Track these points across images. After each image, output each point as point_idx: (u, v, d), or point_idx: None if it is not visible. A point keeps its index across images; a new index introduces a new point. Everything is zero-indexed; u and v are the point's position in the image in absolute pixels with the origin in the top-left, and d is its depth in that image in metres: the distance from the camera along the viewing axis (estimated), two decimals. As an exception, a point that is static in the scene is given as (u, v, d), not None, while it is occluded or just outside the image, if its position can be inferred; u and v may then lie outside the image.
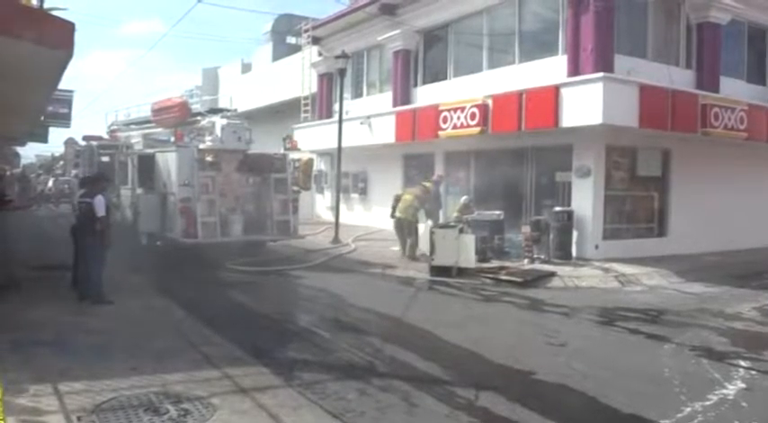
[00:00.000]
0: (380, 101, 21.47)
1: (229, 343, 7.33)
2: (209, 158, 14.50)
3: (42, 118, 20.54)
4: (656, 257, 14.57)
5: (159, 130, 18.35)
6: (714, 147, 16.15)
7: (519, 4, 16.79)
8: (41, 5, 8.12)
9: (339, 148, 18.10)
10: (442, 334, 8.18)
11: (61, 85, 13.08)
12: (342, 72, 18.68)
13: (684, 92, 14.92)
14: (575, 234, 14.49)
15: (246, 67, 36.32)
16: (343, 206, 20.58)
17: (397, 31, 20.29)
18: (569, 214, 14.43)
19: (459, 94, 17.18)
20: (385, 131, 19.55)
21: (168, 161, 14.70)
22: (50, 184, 37.20)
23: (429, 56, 20.28)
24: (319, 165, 24.80)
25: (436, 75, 19.72)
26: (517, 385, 6.40)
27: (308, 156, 20.47)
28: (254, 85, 32.41)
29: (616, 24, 14.76)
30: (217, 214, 14.12)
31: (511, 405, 5.73)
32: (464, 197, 16.48)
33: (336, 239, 17.22)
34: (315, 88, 25.53)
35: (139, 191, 15.50)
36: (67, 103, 25.10)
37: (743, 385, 6.43)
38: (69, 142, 26.07)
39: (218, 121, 15.26)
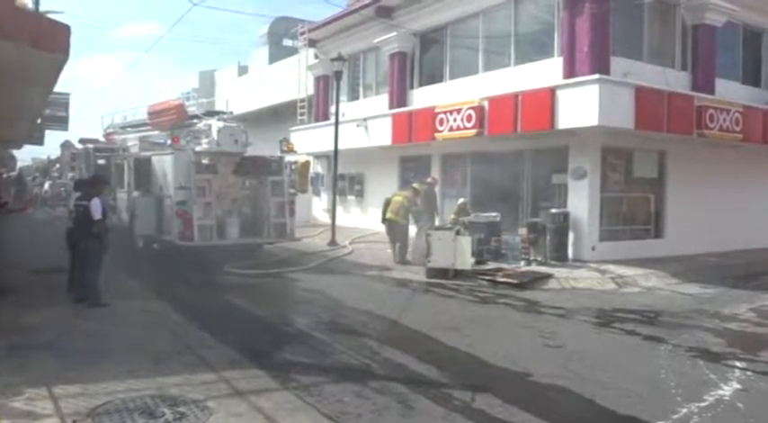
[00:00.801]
0: (377, 103, 21.48)
1: (226, 346, 7.31)
2: (205, 161, 14.57)
3: (39, 121, 20.57)
4: (653, 259, 14.63)
5: (156, 132, 18.35)
6: (710, 148, 16.26)
7: (515, 7, 16.85)
8: (37, 9, 8.16)
9: (336, 150, 18.19)
10: (439, 336, 8.17)
11: (58, 88, 13.12)
12: (338, 74, 18.84)
13: (680, 94, 14.98)
14: (571, 236, 14.56)
15: (243, 70, 36.30)
16: (339, 208, 20.59)
17: (394, 34, 20.31)
18: (566, 216, 14.48)
19: (455, 97, 17.19)
20: (381, 134, 19.53)
21: (165, 164, 14.74)
22: (47, 187, 37.14)
23: (425, 58, 20.33)
24: (316, 167, 24.79)
25: (432, 77, 19.76)
26: (514, 387, 6.39)
27: (305, 158, 20.52)
28: (250, 88, 32.43)
29: (612, 26, 14.80)
30: (213, 217, 14.13)
31: (507, 407, 5.72)
32: (461, 199, 16.45)
33: (333, 242, 17.30)
34: (311, 91, 25.51)
35: (136, 194, 15.48)
36: (64, 105, 25.05)
37: (739, 386, 6.43)
38: (66, 145, 26.05)
39: (215, 124, 15.25)
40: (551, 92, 13.98)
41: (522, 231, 14.31)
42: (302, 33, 25.09)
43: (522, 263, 13.85)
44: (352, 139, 20.29)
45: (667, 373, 6.86)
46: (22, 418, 4.99)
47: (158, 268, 13.34)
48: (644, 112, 13.75)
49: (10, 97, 10.60)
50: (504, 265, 13.61)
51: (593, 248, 14.60)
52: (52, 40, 7.24)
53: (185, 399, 5.56)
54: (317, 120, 24.60)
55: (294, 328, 8.74)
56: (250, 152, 15.35)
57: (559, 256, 14.16)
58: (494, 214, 15.01)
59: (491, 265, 13.60)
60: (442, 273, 12.53)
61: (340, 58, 18.46)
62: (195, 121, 16.74)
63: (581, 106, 13.45)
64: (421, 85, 20.10)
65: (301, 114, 25.46)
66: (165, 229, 14.33)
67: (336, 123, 18.30)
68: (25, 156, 47.64)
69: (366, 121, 20.25)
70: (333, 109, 20.96)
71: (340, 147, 18.30)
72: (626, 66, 14.75)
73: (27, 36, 6.97)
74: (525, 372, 6.81)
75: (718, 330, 8.96)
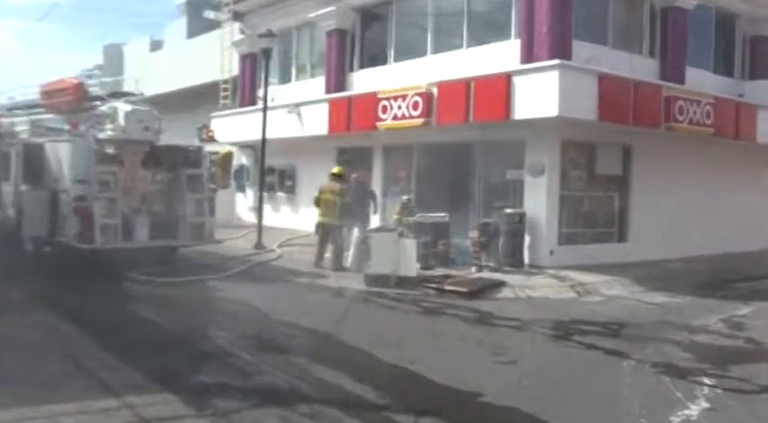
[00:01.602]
0: (311, 87, 21.38)
1: (131, 367, 7.18)
2: (109, 150, 14.15)
3: None
4: (616, 264, 14.88)
5: (50, 116, 17.80)
6: (679, 143, 16.67)
7: (468, -19, 17.41)
8: None
9: (263, 140, 17.93)
10: (378, 352, 8.20)
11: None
12: (267, 53, 18.48)
13: (647, 83, 15.39)
14: (527, 239, 14.72)
15: (156, 45, 35.53)
16: (267, 207, 20.41)
17: (332, 8, 20.20)
18: (521, 217, 14.65)
19: (400, 81, 17.24)
20: (316, 122, 19.45)
21: (60, 153, 14.27)
22: None
23: (367, 37, 20.33)
24: (240, 159, 24.52)
25: (375, 58, 19.78)
26: (461, 409, 6.45)
27: (228, 149, 20.20)
28: (165, 66, 31.80)
29: (574, 7, 14.98)
30: (118, 216, 13.65)
31: (455, 431, 5.84)
32: (405, 197, 16.45)
33: (259, 245, 17.09)
34: (236, 71, 25.32)
35: (24, 187, 14.90)
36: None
37: (707, 405, 6.59)
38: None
39: (122, 107, 14.89)
40: (507, 78, 14.13)
41: (473, 234, 14.34)
42: (227, 4, 24.88)
43: (473, 269, 13.96)
44: (282, 127, 20.14)
45: (630, 391, 6.98)
46: None
47: (51, 276, 12.98)
48: (608, 102, 14.04)
49: None
50: (453, 272, 13.69)
51: (552, 253, 14.84)
52: None
53: (81, 429, 5.53)
54: (242, 104, 24.37)
55: (213, 344, 8.63)
56: (163, 141, 15.04)
57: (514, 262, 14.31)
58: (442, 214, 15.10)
59: (438, 272, 13.64)
60: (384, 280, 12.53)
61: (269, 35, 18.24)
62: (98, 103, 16.29)
63: (539, 95, 13.64)
64: (362, 67, 20.10)
65: (224, 98, 25.23)
66: (60, 229, 13.85)
67: (265, 109, 17.96)
68: None
69: (299, 108, 20.14)
70: (261, 92, 20.78)
71: (269, 136, 18.14)
72: (589, 51, 15.02)
73: None
74: (475, 391, 6.84)
75: (686, 343, 9.18)
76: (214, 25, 28.27)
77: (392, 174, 18.96)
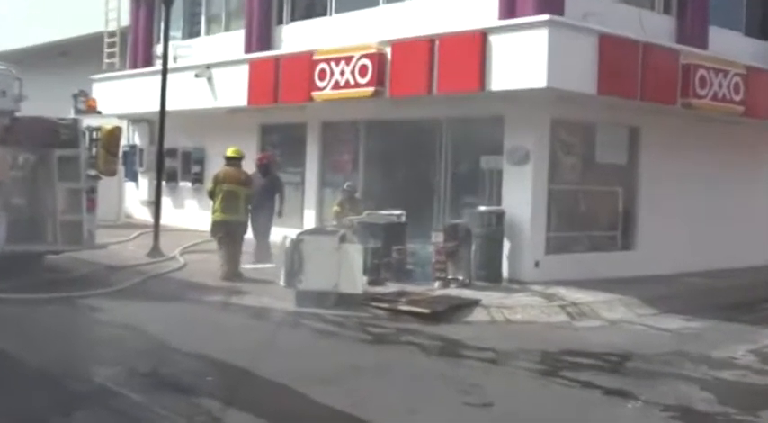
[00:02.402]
0: (227, 43, 21.50)
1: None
2: (-52, 123, 14.18)
3: None
4: (620, 279, 14.99)
5: None
6: (700, 125, 17.04)
7: None
8: None
9: (162, 112, 17.78)
10: (312, 392, 8.10)
11: None
12: (168, -3, 19.00)
13: (661, 46, 15.51)
14: (507, 245, 14.88)
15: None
16: (167, 201, 20.69)
17: (256, -63, 20.80)
18: (499, 217, 14.76)
19: (343, 38, 17.33)
20: (233, 89, 19.47)
21: None
22: None
23: (301, -22, 21.03)
24: (132, 137, 24.62)
25: (311, 7, 20.17)
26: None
27: (114, 123, 19.88)
28: (24, 12, 30.94)
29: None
30: (-39, 211, 13.86)
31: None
32: (347, 184, 16.86)
33: (156, 251, 17.12)
34: (126, 21, 25.20)
35: None
36: None
37: (732, 461, 6.93)
38: None
39: (-36, 66, 14.99)
40: (482, 37, 14.20)
41: (438, 238, 14.43)
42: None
43: (437, 284, 14.05)
44: (188, 96, 20.27)
45: (636, 442, 7.25)
46: None
47: None
48: (611, 70, 14.17)
49: None
50: (411, 288, 13.77)
51: (538, 264, 14.97)
52: None
53: None
54: (133, 65, 24.48)
55: (90, 382, 8.42)
56: (25, 111, 14.85)
57: (490, 275, 14.49)
58: (396, 213, 15.22)
59: (391, 288, 13.74)
60: (320, 298, 12.55)
61: (171, -30, 18.63)
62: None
63: (523, 59, 13.75)
64: (294, 19, 20.32)
65: (110, 56, 25.12)
66: None
67: (164, 72, 17.87)
68: None
69: (210, 70, 20.21)
70: (159, 49, 20.75)
71: (169, 107, 18.02)
72: (587, 4, 15.08)
73: None
74: (437, 444, 7.01)
75: (706, 381, 9.22)
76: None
77: (332, 159, 19.19)
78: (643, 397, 8.38)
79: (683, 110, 15.77)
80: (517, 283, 14.59)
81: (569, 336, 11.62)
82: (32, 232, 14.60)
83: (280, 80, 18.10)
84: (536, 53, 13.50)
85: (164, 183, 19.42)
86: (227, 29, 22.09)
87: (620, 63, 14.40)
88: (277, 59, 18.52)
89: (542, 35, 13.46)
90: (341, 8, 18.83)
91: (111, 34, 25.13)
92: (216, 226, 14.93)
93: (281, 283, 13.67)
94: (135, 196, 24.76)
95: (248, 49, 20.32)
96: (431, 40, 14.98)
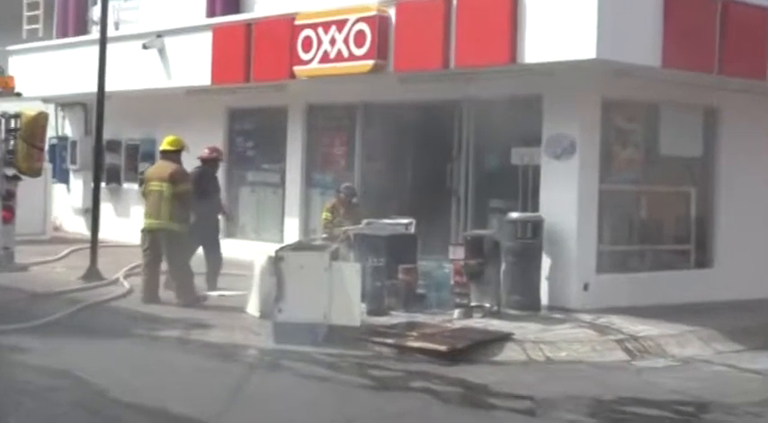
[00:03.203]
0: (184, 4, 21.44)
1: None
2: None
3: None
4: (694, 305, 14.77)
5: None
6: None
7: None
8: None
9: (101, 94, 17.36)
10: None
11: None
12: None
13: (746, 3, 15.01)
14: (546, 263, 14.60)
15: None
16: (108, 208, 20.77)
17: None
18: (536, 226, 14.47)
19: (333, -1, 16.74)
20: (193, 64, 19.33)
21: None
22: None
23: None
24: (61, 126, 24.30)
25: (292, -43, 19.19)
26: None
27: (38, 108, 19.98)
28: None
29: None
30: None
31: None
32: (344, 185, 16.69)
33: (94, 273, 16.74)
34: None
35: None
36: None
37: None
38: None
39: None
40: (512, -6, 13.50)
41: (457, 254, 14.05)
42: None
43: (457, 313, 13.72)
44: (133, 73, 20.14)
45: None
46: None
47: None
48: (679, 35, 13.79)
49: None
50: (423, 318, 13.54)
51: (587, 286, 14.64)
52: None
53: None
54: (62, 33, 24.48)
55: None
56: None
57: (524, 301, 14.14)
58: (404, 221, 15.20)
59: (398, 318, 13.46)
60: (306, 333, 12.25)
61: None
62: None
63: (566, 23, 13.41)
64: (270, -27, 19.48)
65: (31, 22, 25.46)
66: None
67: (103, 42, 17.27)
68: None
69: (162, 40, 20.09)
70: (95, 13, 20.60)
71: (110, 87, 17.60)
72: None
73: None
74: None
75: None
76: None
77: (321, 153, 18.96)
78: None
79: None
80: (560, 311, 14.27)
81: (629, 379, 11.31)
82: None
83: (252, 52, 17.90)
84: (583, 15, 13.15)
85: (103, 185, 19.34)
86: (184, -13, 21.75)
87: (693, 25, 13.97)
88: (248, 25, 18.17)
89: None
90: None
91: (32, -6, 25.48)
92: (141, 235, 14.91)
93: (255, 313, 13.66)
94: (66, 202, 24.62)
95: (211, 13, 20.19)
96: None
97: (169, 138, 15.43)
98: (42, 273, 16.72)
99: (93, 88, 17.54)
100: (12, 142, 15.40)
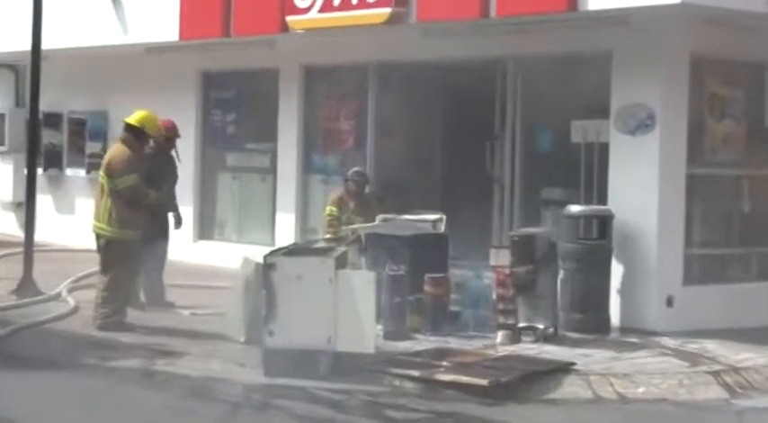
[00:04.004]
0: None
1: None
2: None
3: None
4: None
5: None
6: None
7: None
8: None
9: (36, 54, 17.50)
10: None
11: None
12: None
13: None
14: (618, 271, 14.43)
15: None
16: (46, 200, 20.45)
17: None
18: (603, 223, 14.34)
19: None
20: (155, 16, 19.30)
21: None
22: None
23: None
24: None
25: None
26: None
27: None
28: None
29: None
30: None
31: None
32: (352, 170, 16.75)
33: (29, 285, 16.95)
34: None
35: None
36: None
37: None
38: None
39: None
40: None
41: (501, 259, 13.86)
42: None
43: (500, 336, 13.55)
44: (80, 26, 20.10)
45: None
46: None
47: None
48: None
49: None
50: (457, 344, 13.49)
51: (671, 301, 14.42)
52: None
53: None
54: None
55: None
56: None
57: (589, 320, 14.01)
58: (431, 217, 15.13)
59: (424, 343, 13.38)
60: (305, 362, 12.02)
61: None
62: None
63: None
64: None
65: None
66: None
67: None
68: None
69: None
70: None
71: (48, 45, 17.69)
72: None
73: None
74: None
75: None
76: None
77: (322, 129, 18.85)
78: None
79: None
80: (636, 333, 13.94)
81: (727, 422, 11.17)
82: None
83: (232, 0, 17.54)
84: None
85: (40, 171, 19.08)
86: None
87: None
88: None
89: None
90: None
91: None
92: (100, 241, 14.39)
93: (238, 337, 13.41)
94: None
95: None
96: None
97: (139, 114, 15.14)
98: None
99: (27, 47, 17.54)
100: None
